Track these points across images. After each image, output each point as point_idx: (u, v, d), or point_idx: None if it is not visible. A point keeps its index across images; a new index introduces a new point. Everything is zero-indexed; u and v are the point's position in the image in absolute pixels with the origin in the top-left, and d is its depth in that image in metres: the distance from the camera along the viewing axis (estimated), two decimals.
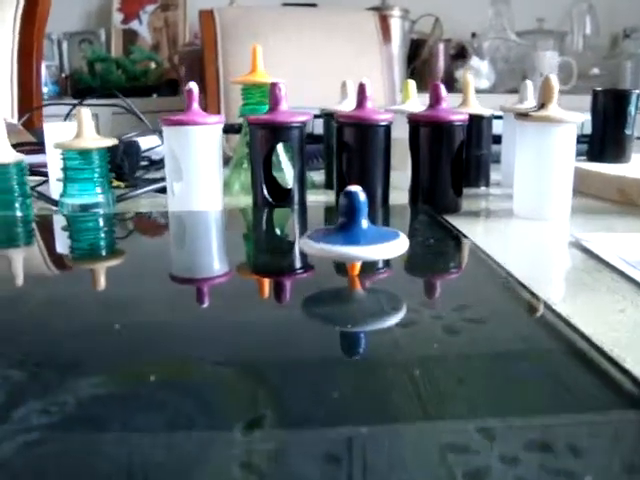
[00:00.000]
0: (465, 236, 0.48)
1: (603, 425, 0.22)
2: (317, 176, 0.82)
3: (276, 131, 0.59)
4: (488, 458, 0.19)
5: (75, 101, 0.89)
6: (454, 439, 0.20)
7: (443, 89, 0.60)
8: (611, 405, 0.23)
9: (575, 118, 0.55)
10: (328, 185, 0.76)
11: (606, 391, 0.24)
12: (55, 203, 0.62)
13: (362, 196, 0.34)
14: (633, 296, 0.36)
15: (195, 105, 0.58)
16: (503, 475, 0.19)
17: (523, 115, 0.56)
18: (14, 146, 0.63)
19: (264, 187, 0.60)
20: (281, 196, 0.61)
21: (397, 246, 0.34)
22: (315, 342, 0.29)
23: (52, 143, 0.64)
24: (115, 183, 0.73)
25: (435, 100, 0.60)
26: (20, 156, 0.59)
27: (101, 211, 0.59)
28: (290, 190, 0.61)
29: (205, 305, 0.34)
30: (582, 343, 0.28)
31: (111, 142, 0.59)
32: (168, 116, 0.58)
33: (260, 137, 0.59)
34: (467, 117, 0.59)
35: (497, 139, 0.75)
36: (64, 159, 0.58)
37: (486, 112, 0.72)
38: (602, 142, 0.73)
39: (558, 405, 0.23)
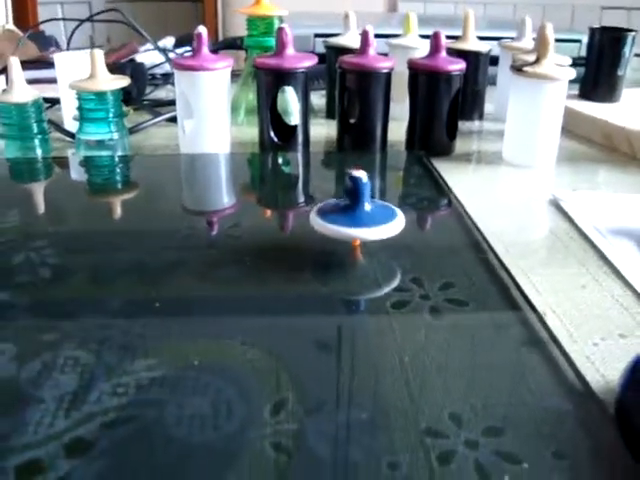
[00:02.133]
0: (452, 192, 0.52)
1: (538, 413, 0.28)
2: (317, 99, 0.84)
3: (282, 76, 0.61)
4: None
5: (79, 19, 0.89)
6: None
7: (443, 37, 0.62)
8: (551, 393, 0.30)
9: (566, 75, 0.58)
10: (329, 113, 0.79)
11: (551, 380, 0.30)
12: (71, 135, 0.66)
13: (365, 180, 0.39)
14: (597, 270, 0.42)
15: (205, 49, 0.60)
16: None
17: (517, 69, 0.59)
18: (24, 63, 0.65)
19: (270, 128, 0.63)
20: (286, 135, 0.64)
21: (394, 226, 0.39)
22: None
23: (63, 73, 0.67)
24: (124, 108, 0.76)
25: (435, 48, 0.62)
26: (37, 94, 0.62)
27: (117, 150, 0.63)
28: (295, 128, 0.64)
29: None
30: (537, 325, 0.34)
31: (125, 82, 0.62)
32: (179, 60, 0.60)
33: (266, 82, 0.62)
34: (464, 67, 0.62)
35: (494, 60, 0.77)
36: (79, 99, 0.61)
37: (484, 48, 0.74)
38: (595, 81, 0.75)
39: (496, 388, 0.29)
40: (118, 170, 0.60)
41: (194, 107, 0.61)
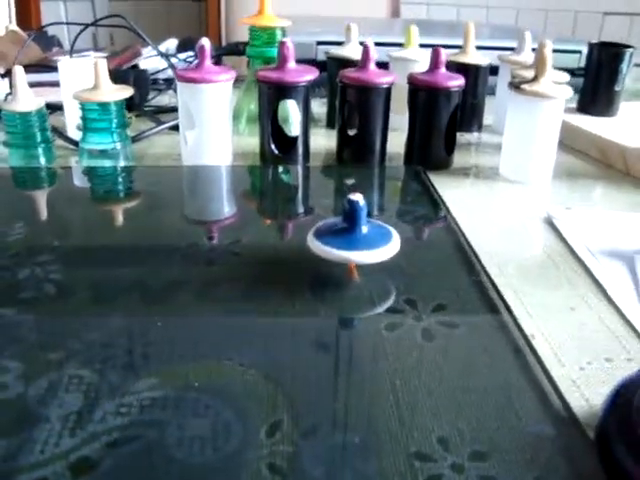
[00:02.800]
0: (448, 210, 0.54)
1: (523, 437, 0.30)
2: (318, 107, 0.85)
3: (283, 90, 0.62)
4: None
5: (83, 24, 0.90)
6: None
7: (443, 53, 0.63)
8: (534, 419, 0.31)
9: (563, 94, 0.59)
10: (329, 123, 0.80)
11: (537, 404, 0.32)
12: (75, 143, 0.67)
13: (362, 203, 0.40)
14: (587, 292, 0.43)
15: (207, 62, 0.61)
16: None
17: (516, 87, 0.60)
18: (26, 67, 0.66)
19: (271, 140, 0.65)
20: (286, 146, 0.65)
21: (390, 249, 0.40)
22: None
23: (66, 80, 0.68)
24: (127, 116, 0.77)
25: (434, 64, 0.63)
26: (41, 102, 0.63)
27: (120, 159, 0.64)
28: (295, 140, 0.65)
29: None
30: (526, 349, 0.36)
31: (128, 93, 0.63)
32: (182, 71, 0.61)
33: (268, 94, 0.63)
34: (463, 83, 0.63)
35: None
36: (83, 109, 0.62)
37: (484, 62, 0.75)
38: (592, 95, 0.76)
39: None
40: (120, 181, 0.61)
41: (196, 118, 0.62)
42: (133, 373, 0.33)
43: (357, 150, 0.65)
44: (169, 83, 0.92)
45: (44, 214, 0.54)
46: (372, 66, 0.63)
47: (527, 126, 0.60)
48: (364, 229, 0.40)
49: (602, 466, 0.28)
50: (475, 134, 0.78)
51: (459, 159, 0.67)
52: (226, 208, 0.56)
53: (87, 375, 0.32)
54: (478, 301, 0.40)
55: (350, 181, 0.63)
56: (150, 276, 0.42)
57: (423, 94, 0.63)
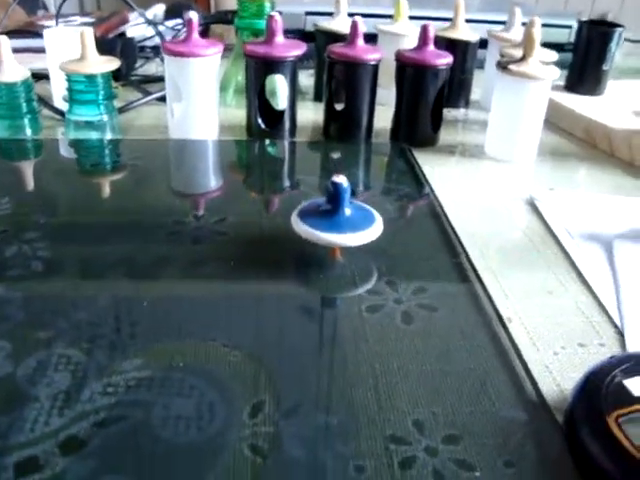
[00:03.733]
0: (432, 190, 0.54)
1: (495, 421, 0.31)
2: (305, 79, 0.85)
3: (271, 64, 0.62)
4: None
5: None
6: None
7: (432, 30, 0.63)
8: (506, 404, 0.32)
9: (550, 75, 0.59)
10: (317, 96, 0.80)
11: (510, 389, 0.33)
12: (61, 113, 0.66)
13: (346, 185, 0.40)
14: (565, 276, 0.44)
15: (195, 35, 0.61)
16: None
17: (503, 67, 0.60)
18: (11, 32, 0.66)
19: (258, 115, 0.65)
20: (273, 120, 0.65)
21: (372, 232, 0.41)
22: None
23: (52, 48, 0.67)
24: (113, 86, 0.76)
25: (423, 41, 0.63)
26: (26, 72, 0.62)
27: (106, 131, 0.64)
28: (282, 114, 0.65)
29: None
30: (502, 333, 0.37)
31: (115, 64, 0.62)
32: (169, 45, 0.61)
33: (255, 69, 0.62)
34: (451, 60, 0.63)
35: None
36: (69, 81, 0.62)
37: (473, 38, 0.75)
38: (580, 74, 0.76)
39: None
40: (106, 154, 0.61)
41: (183, 92, 0.62)
42: (120, 352, 0.34)
43: (344, 126, 0.65)
44: (157, 51, 0.91)
45: (30, 188, 0.54)
46: (360, 42, 0.63)
47: (513, 106, 0.61)
48: (347, 211, 0.41)
49: (569, 451, 0.29)
50: (462, 110, 0.79)
51: (445, 136, 0.68)
52: (212, 183, 0.57)
53: (75, 354, 0.33)
54: (457, 284, 0.41)
55: (336, 155, 0.63)
56: (136, 253, 0.42)
57: (411, 71, 0.63)
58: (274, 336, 0.36)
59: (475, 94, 0.81)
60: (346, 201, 0.41)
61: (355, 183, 0.56)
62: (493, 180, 0.59)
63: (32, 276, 0.40)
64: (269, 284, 0.40)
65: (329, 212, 0.41)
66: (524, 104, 0.60)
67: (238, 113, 0.70)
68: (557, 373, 0.35)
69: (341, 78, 0.63)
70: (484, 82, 0.79)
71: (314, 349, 0.35)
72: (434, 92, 0.63)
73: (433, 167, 0.60)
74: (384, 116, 0.67)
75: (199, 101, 0.63)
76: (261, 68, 0.62)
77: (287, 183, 0.57)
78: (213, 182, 0.57)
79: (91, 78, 0.61)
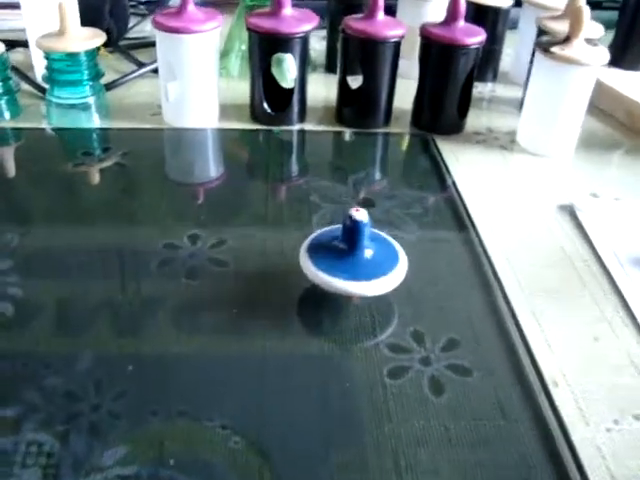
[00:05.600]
0: (459, 195, 0.48)
1: None
2: (316, 42, 0.76)
3: (278, 42, 0.54)
4: None
5: None
6: None
7: (462, 3, 0.54)
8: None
9: (597, 60, 0.51)
10: (329, 67, 0.72)
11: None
12: (43, 90, 0.59)
13: (367, 221, 0.34)
14: (613, 316, 0.38)
15: (190, 6, 0.53)
16: None
17: (544, 50, 0.52)
18: None
19: (264, 99, 0.57)
20: (280, 102, 0.58)
21: (395, 277, 0.34)
22: None
23: (30, 14, 0.60)
24: (102, 52, 0.69)
25: (452, 16, 0.55)
26: (1, 48, 0.55)
27: (93, 114, 0.57)
28: (290, 94, 0.58)
29: None
30: (546, 404, 0.32)
31: (100, 40, 0.55)
32: (161, 18, 0.53)
33: (260, 46, 0.55)
34: (484, 38, 0.55)
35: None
36: (48, 59, 0.54)
37: (505, 3, 0.66)
38: (624, 46, 0.68)
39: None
40: (91, 152, 0.53)
41: (178, 73, 0.54)
42: (101, 438, 0.29)
43: (359, 110, 0.58)
44: (151, 8, 0.82)
45: (2, 197, 0.47)
46: (380, 15, 0.55)
47: (553, 93, 0.53)
48: (367, 252, 0.35)
49: None
50: (489, 85, 0.71)
51: (471, 118, 0.60)
52: (210, 188, 0.50)
53: (47, 441, 0.28)
54: (493, 335, 0.36)
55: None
56: (121, 294, 0.36)
57: (437, 51, 0.55)
58: (280, 416, 0.30)
59: (504, 63, 0.73)
60: (366, 240, 0.34)
61: (370, 182, 0.49)
62: (527, 179, 0.52)
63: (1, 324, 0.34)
64: (275, 339, 0.34)
65: (344, 252, 0.34)
66: (566, 92, 0.53)
67: (242, 88, 0.62)
68: (611, 459, 0.30)
69: (358, 56, 0.56)
70: (516, 52, 0.71)
71: (328, 434, 0.30)
72: (463, 74, 0.56)
73: (459, 160, 0.54)
74: (405, 92, 0.60)
75: (196, 83, 0.55)
76: (267, 45, 0.55)
77: (296, 192, 0.49)
78: (211, 186, 0.50)
79: (73, 56, 0.54)
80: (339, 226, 0.37)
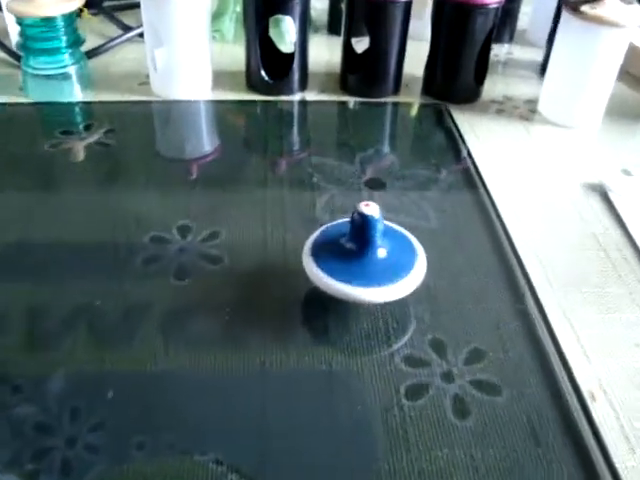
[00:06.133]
0: (480, 177, 0.43)
1: None
2: (319, 1, 0.70)
3: (276, 1, 0.49)
4: None
5: None
6: None
7: None
8: None
9: (632, 21, 0.46)
10: (331, 28, 0.66)
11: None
12: (18, 57, 0.54)
13: (378, 217, 0.29)
14: None
15: None
16: None
17: (573, 8, 0.47)
18: None
19: (260, 65, 0.52)
20: (279, 69, 0.53)
21: (413, 278, 0.30)
22: None
23: None
24: (85, 14, 0.63)
25: None
26: None
27: (73, 85, 0.51)
28: (290, 60, 0.52)
29: None
30: (581, 418, 0.28)
31: (78, 3, 0.49)
32: None
33: (256, 8, 0.49)
34: None
35: None
36: (21, 25, 0.49)
37: None
38: None
39: None
40: (71, 129, 0.48)
41: (165, 38, 0.49)
42: (76, 479, 0.25)
43: (366, 77, 0.53)
44: None
45: None
46: None
47: (581, 57, 0.48)
48: (380, 252, 0.30)
49: None
50: (505, 46, 0.65)
51: (487, 84, 0.55)
52: (201, 166, 0.45)
53: None
54: (523, 343, 0.31)
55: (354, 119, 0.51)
56: (101, 299, 0.32)
57: (452, 9, 0.50)
58: (283, 447, 0.26)
59: (521, 22, 0.67)
60: (377, 238, 0.30)
61: (379, 160, 0.44)
62: (551, 154, 0.47)
63: None
64: (276, 352, 0.30)
65: (354, 253, 0.30)
66: (596, 56, 0.47)
67: (237, 53, 0.57)
68: None
69: (364, 16, 0.50)
70: (534, 8, 0.65)
71: (337, 468, 0.26)
72: (481, 36, 0.50)
73: (476, 133, 0.49)
74: (416, 56, 0.54)
75: (186, 49, 0.50)
76: (263, 5, 0.49)
77: (297, 173, 0.43)
78: (203, 167, 0.44)
79: (48, 21, 0.48)
80: (345, 220, 0.32)
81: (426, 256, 0.32)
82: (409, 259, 0.31)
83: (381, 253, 0.30)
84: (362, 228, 0.30)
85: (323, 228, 0.32)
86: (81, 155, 0.44)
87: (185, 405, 0.28)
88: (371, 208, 0.29)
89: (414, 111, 0.53)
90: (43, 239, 0.36)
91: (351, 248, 0.30)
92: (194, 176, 0.42)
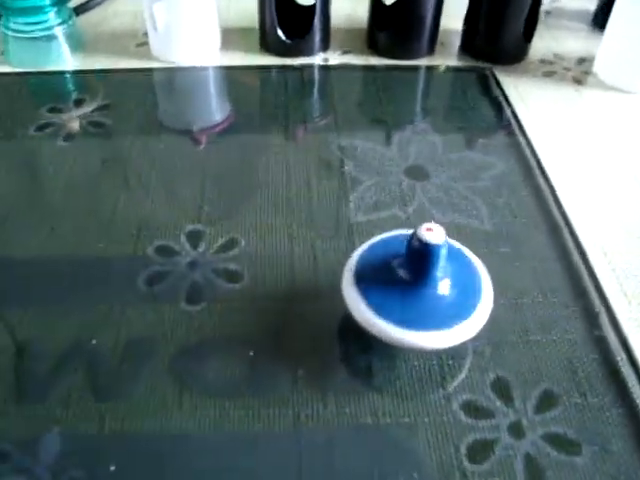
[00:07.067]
0: (539, 162, 0.37)
1: None
2: None
3: None
4: None
5: None
6: None
7: None
8: None
9: None
10: None
11: None
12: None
13: (442, 242, 0.24)
14: None
15: None
16: None
17: None
18: None
19: (276, 21, 0.45)
20: (297, 24, 0.46)
21: (477, 320, 0.25)
22: None
23: None
24: None
25: None
26: None
27: (61, 49, 0.45)
28: (311, 13, 0.45)
29: None
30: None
31: None
32: None
33: None
34: None
35: None
36: None
37: None
38: None
39: None
40: (59, 103, 0.42)
41: None
42: None
43: (397, 34, 0.46)
44: None
45: None
46: None
47: None
48: (441, 287, 0.25)
49: None
50: None
51: (533, 40, 0.48)
52: (213, 165, 0.37)
53: None
54: (602, 382, 0.26)
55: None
56: (98, 335, 0.27)
57: None
58: None
59: None
60: (439, 271, 0.24)
61: (419, 141, 0.38)
62: (614, 127, 0.41)
63: None
64: (311, 398, 0.25)
65: (408, 285, 0.25)
66: None
67: (249, 6, 0.50)
68: None
69: None
70: None
71: None
72: None
73: (527, 103, 0.42)
74: (452, 6, 0.47)
75: (189, 5, 0.43)
76: None
77: (325, 159, 0.36)
78: (214, 155, 0.37)
79: None
80: (398, 234, 0.27)
81: (475, 247, 0.26)
82: (473, 291, 0.25)
83: (443, 287, 0.25)
84: (421, 257, 0.24)
85: (368, 245, 0.27)
86: (71, 139, 0.38)
87: (204, 471, 0.23)
88: (435, 234, 0.24)
89: (456, 81, 0.46)
90: (21, 256, 0.31)
91: (405, 278, 0.25)
92: (203, 146, 0.36)
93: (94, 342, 0.27)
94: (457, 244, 0.27)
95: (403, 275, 0.25)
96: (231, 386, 0.26)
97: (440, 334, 0.24)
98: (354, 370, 0.26)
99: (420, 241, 0.23)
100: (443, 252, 0.24)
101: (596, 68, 0.46)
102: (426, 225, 0.24)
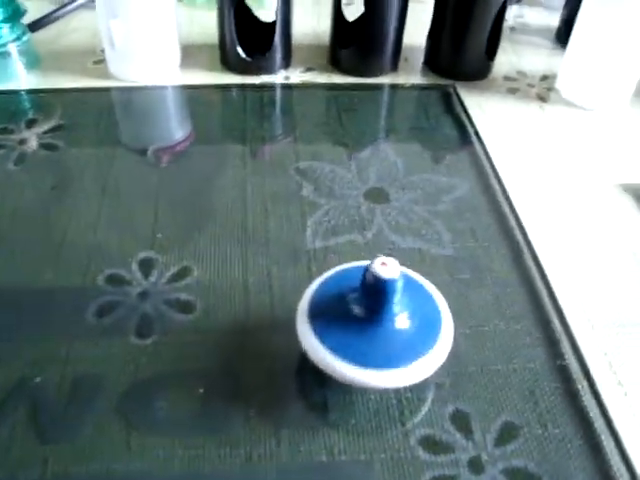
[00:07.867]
0: (499, 181, 0.37)
1: None
2: None
3: None
4: None
5: None
6: None
7: None
8: None
9: None
10: None
11: None
12: None
13: (397, 277, 0.23)
14: None
15: None
16: None
17: None
18: None
19: (236, 39, 0.44)
20: (258, 41, 0.45)
21: (436, 356, 0.24)
22: None
23: None
24: None
25: None
26: None
27: (15, 66, 0.43)
28: (272, 31, 0.45)
29: None
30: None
31: None
32: None
33: None
34: None
35: None
36: None
37: None
38: None
39: None
40: (10, 127, 0.41)
41: (121, 9, 0.41)
42: None
43: (359, 51, 0.46)
44: None
45: None
46: None
47: (612, 26, 0.41)
48: (397, 322, 0.24)
49: None
50: (514, 8, 0.57)
51: (497, 56, 0.48)
52: (167, 190, 0.35)
53: None
54: (564, 412, 0.26)
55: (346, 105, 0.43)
56: (43, 372, 0.26)
57: None
58: None
59: None
60: (395, 306, 0.24)
61: (379, 162, 0.38)
62: (576, 144, 0.41)
63: None
64: (264, 437, 0.24)
65: (364, 322, 0.24)
66: (629, 24, 0.40)
67: (209, 21, 0.49)
68: None
69: None
70: None
71: None
72: (496, 4, 0.43)
73: (489, 119, 0.42)
74: (416, 21, 0.47)
75: (148, 19, 0.42)
76: None
77: (283, 183, 0.36)
78: (169, 179, 0.36)
79: None
80: (352, 266, 0.26)
81: (434, 272, 0.26)
82: (432, 324, 0.25)
83: (399, 323, 0.24)
84: (376, 292, 0.23)
85: (323, 278, 0.26)
86: (21, 163, 0.37)
87: None
88: (389, 269, 0.23)
89: (418, 99, 0.45)
90: None
91: (360, 315, 0.24)
92: (155, 203, 0.35)
93: (38, 380, 0.25)
94: (415, 274, 0.26)
95: (358, 311, 0.24)
96: (181, 425, 0.25)
97: (398, 372, 0.23)
98: (309, 405, 0.26)
99: (374, 276, 0.23)
100: (399, 286, 0.23)
101: (558, 85, 0.46)
102: (380, 259, 0.23)
